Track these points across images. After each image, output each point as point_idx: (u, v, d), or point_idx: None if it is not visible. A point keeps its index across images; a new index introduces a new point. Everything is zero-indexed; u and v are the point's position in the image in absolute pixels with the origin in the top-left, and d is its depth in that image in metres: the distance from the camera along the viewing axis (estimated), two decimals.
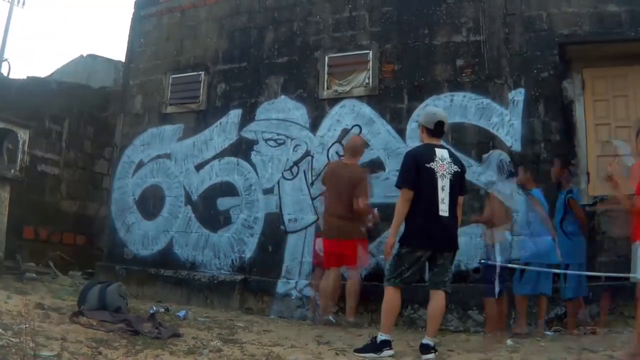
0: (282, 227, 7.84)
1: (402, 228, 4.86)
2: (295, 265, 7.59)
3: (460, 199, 4.99)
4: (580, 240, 6.22)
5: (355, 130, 7.61)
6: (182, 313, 6.33)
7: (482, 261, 6.67)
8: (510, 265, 6.51)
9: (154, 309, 6.05)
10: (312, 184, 7.74)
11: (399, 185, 4.80)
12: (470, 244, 6.82)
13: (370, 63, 7.79)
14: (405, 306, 6.81)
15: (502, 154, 6.59)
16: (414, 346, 5.12)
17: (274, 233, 7.87)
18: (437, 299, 4.64)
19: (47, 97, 10.48)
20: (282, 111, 8.17)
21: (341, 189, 6.61)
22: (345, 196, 6.54)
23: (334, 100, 7.90)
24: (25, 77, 10.90)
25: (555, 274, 6.13)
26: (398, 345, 5.17)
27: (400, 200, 4.76)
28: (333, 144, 7.73)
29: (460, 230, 6.74)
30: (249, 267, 7.91)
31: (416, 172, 4.71)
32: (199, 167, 8.61)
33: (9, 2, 25.56)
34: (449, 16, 7.53)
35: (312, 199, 7.70)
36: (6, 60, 18.46)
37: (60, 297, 6.13)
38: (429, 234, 4.70)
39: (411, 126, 7.36)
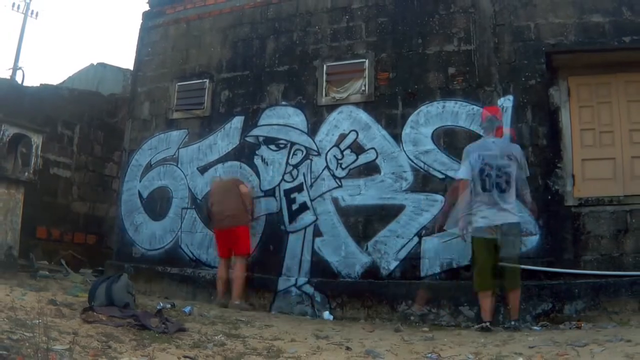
0: (282, 227, 7.85)
1: None
2: (295, 264, 7.60)
3: None
4: None
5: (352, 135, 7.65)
6: (187, 309, 6.34)
7: None
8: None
9: (161, 304, 6.08)
10: (312, 186, 7.75)
11: None
12: (462, 242, 6.84)
13: (367, 71, 7.81)
14: (400, 302, 6.85)
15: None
16: (408, 340, 5.14)
17: (275, 232, 7.87)
18: None
19: (59, 103, 10.51)
20: (282, 117, 8.19)
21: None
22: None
23: (332, 107, 7.92)
24: (38, 85, 10.95)
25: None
26: (393, 339, 5.19)
27: None
28: (331, 148, 7.75)
29: (452, 230, 6.85)
30: (251, 265, 7.89)
31: None
32: (203, 170, 8.62)
33: (22, 13, 25.66)
34: (441, 26, 7.56)
35: (311, 200, 7.71)
36: (20, 68, 18.61)
37: (74, 294, 6.13)
38: None
39: (405, 131, 7.38)
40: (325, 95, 8.02)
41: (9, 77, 16.02)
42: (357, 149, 7.60)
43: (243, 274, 7.42)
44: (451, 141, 7.18)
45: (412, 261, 7.04)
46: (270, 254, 7.82)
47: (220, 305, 7.22)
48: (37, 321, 3.99)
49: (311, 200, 7.72)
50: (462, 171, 6.21)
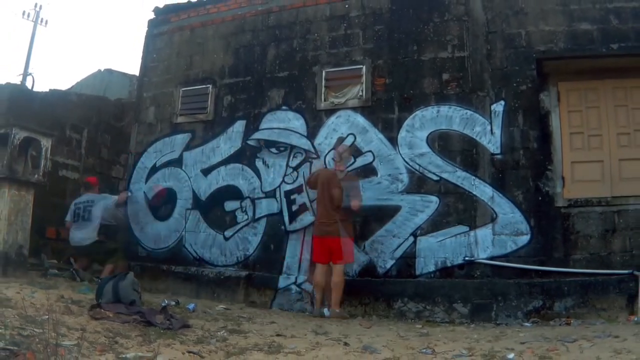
0: (282, 227, 7.86)
1: None
2: (295, 262, 7.60)
3: None
4: None
5: (350, 138, 7.66)
6: (191, 306, 6.33)
7: (466, 258, 6.74)
8: (495, 262, 6.60)
9: (166, 302, 6.06)
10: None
11: None
12: (456, 242, 6.86)
13: (364, 77, 7.82)
14: (396, 299, 6.85)
15: None
16: (404, 336, 5.15)
17: (276, 232, 7.88)
18: None
19: (68, 108, 10.50)
20: (283, 121, 8.20)
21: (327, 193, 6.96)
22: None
23: (331, 111, 7.93)
24: (47, 90, 10.95)
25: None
26: (389, 335, 5.20)
27: None
28: (329, 151, 7.75)
29: (446, 230, 6.89)
30: (253, 263, 7.91)
31: None
32: (206, 172, 8.62)
33: (32, 21, 25.68)
34: (435, 34, 7.57)
35: (311, 201, 7.71)
36: (30, 74, 18.63)
37: (84, 293, 6.12)
38: None
39: (401, 135, 7.40)
40: (324, 100, 8.03)
41: (19, 83, 16.02)
42: (355, 152, 7.60)
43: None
44: (445, 144, 7.20)
45: (407, 260, 7.04)
46: (271, 253, 7.83)
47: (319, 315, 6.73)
48: (47, 318, 4.00)
49: (310, 202, 7.72)
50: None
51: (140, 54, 9.93)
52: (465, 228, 6.86)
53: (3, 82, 10.24)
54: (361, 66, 7.89)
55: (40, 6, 26.60)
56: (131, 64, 68.92)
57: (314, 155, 7.83)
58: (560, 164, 6.78)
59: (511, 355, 3.98)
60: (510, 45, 7.18)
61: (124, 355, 3.55)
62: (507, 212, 6.74)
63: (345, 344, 4.63)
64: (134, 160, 9.39)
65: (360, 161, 7.54)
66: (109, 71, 14.33)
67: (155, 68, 9.63)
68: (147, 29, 9.93)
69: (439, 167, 7.15)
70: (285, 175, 7.99)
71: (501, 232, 6.70)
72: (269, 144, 8.22)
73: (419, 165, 7.23)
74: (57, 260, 8.99)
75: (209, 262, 8.22)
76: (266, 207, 8.02)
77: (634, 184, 6.50)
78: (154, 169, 9.10)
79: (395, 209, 7.23)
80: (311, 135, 7.96)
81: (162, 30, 9.75)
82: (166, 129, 9.21)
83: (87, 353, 3.44)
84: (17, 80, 19.32)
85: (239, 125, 8.51)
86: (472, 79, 7.26)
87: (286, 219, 7.86)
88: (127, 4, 72.48)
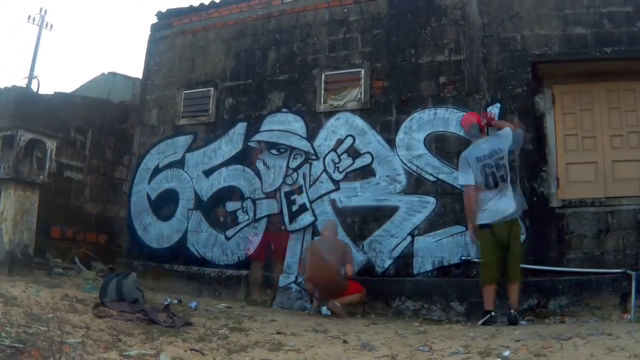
0: (283, 227, 7.86)
1: None
2: (295, 262, 7.61)
3: None
4: None
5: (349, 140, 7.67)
6: (193, 304, 6.34)
7: (463, 257, 6.75)
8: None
9: (168, 300, 6.06)
10: (310, 188, 7.77)
11: None
12: (452, 241, 6.86)
13: (362, 80, 7.83)
14: (394, 298, 6.86)
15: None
16: (402, 334, 5.15)
17: (276, 232, 7.88)
18: None
19: (73, 110, 10.52)
20: (283, 123, 8.20)
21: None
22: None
23: (330, 114, 7.94)
24: (52, 93, 10.94)
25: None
26: (387, 333, 5.20)
27: None
28: (329, 153, 7.76)
29: (443, 230, 6.90)
30: (254, 263, 7.92)
31: None
32: (208, 173, 8.62)
33: (38, 25, 25.68)
34: (432, 38, 7.58)
35: (310, 202, 7.72)
36: (36, 77, 18.63)
37: (89, 292, 6.13)
38: None
39: (399, 136, 7.40)
40: (324, 103, 8.04)
41: (24, 86, 16.01)
42: (354, 153, 7.62)
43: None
44: (442, 146, 7.20)
45: (405, 259, 7.05)
46: (272, 253, 7.83)
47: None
48: (52, 316, 4.00)
49: (310, 202, 7.73)
50: (465, 178, 6.04)
51: (144, 58, 9.93)
52: (462, 228, 6.85)
53: (9, 85, 10.25)
54: (360, 69, 7.90)
55: (46, 10, 26.69)
56: (134, 67, 69.04)
57: (314, 157, 7.83)
58: (555, 165, 6.79)
59: (507, 353, 3.98)
60: (505, 48, 7.18)
61: (127, 353, 3.55)
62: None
63: (344, 341, 4.63)
64: (137, 161, 9.39)
65: (359, 162, 7.55)
66: (113, 74, 14.32)
67: (158, 71, 9.64)
68: (150, 33, 9.94)
69: (436, 169, 7.15)
70: (285, 176, 7.99)
71: None
72: (270, 145, 8.22)
73: (417, 167, 7.24)
74: (61, 259, 9.02)
75: (210, 262, 8.23)
76: (267, 207, 8.03)
77: (627, 185, 6.52)
78: (156, 170, 9.11)
79: (393, 210, 7.24)
80: (311, 137, 7.97)
81: (164, 34, 9.76)
82: (169, 130, 9.22)
83: (91, 350, 3.44)
84: (22, 83, 19.32)
85: (240, 127, 8.52)
86: (469, 82, 7.27)
87: (286, 219, 7.87)
88: (131, 8, 72.55)
